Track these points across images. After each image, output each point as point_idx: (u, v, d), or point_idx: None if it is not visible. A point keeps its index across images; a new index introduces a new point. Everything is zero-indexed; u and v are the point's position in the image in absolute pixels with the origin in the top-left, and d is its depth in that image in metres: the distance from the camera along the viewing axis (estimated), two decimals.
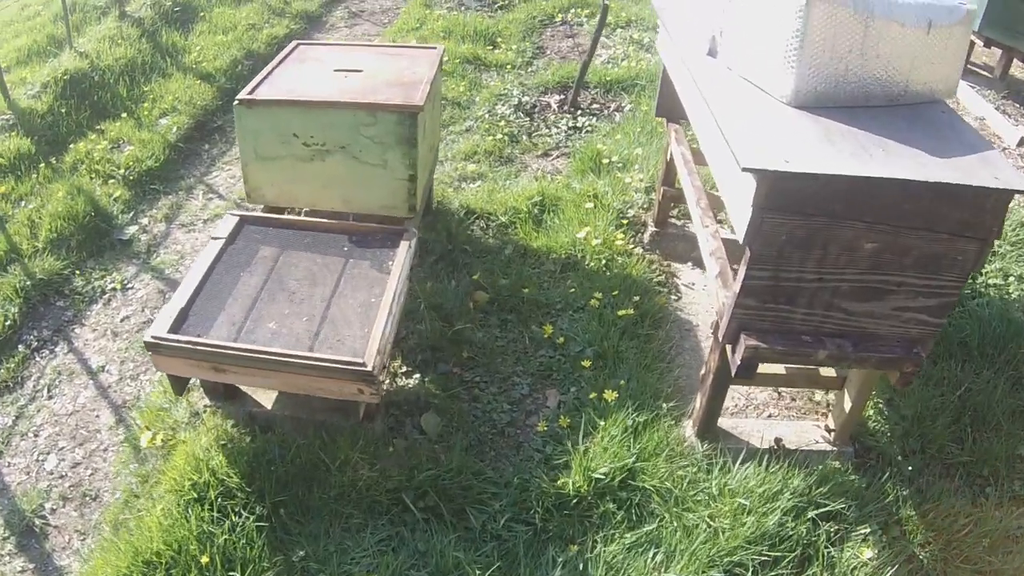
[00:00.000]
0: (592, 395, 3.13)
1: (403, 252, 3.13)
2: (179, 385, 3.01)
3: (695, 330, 3.67)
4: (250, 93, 3.34)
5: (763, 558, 2.61)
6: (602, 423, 2.99)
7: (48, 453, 3.33)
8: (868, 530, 2.77)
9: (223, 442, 2.95)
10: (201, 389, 3.19)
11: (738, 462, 2.87)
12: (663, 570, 2.59)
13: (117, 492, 3.11)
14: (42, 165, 4.96)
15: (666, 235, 4.14)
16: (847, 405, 2.98)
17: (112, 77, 5.83)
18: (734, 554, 2.60)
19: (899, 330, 2.51)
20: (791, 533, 2.68)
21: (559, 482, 2.79)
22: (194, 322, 2.87)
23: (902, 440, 3.15)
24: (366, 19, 7.32)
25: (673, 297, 3.85)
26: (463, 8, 7.05)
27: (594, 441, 2.94)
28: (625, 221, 4.18)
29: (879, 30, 2.42)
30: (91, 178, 4.93)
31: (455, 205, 4.41)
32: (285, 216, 3.47)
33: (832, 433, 3.09)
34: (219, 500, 2.74)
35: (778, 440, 3.04)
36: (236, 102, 3.32)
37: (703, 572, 2.56)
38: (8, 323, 3.91)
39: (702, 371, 3.02)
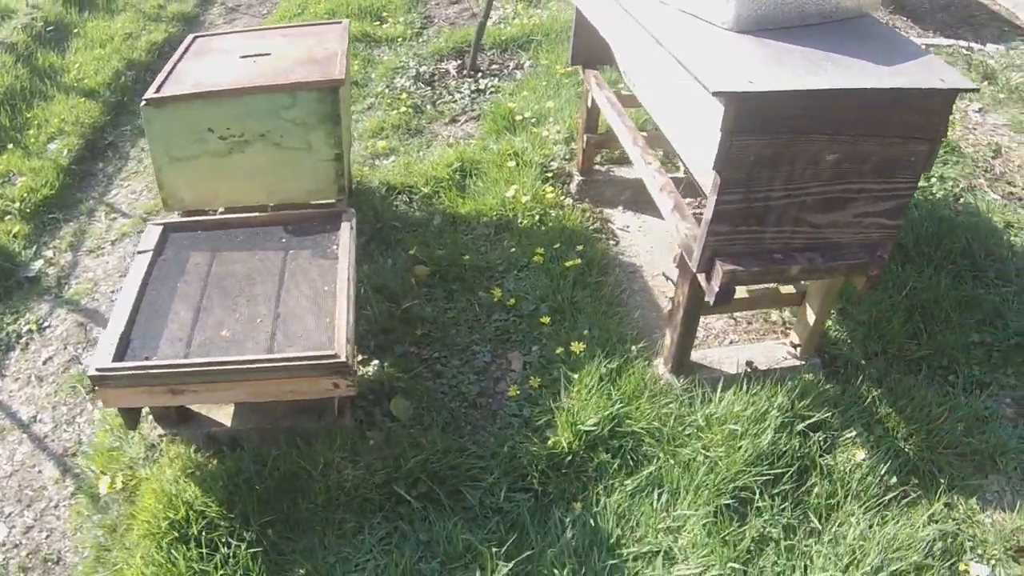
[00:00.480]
0: (558, 350, 2.96)
1: (346, 234, 2.87)
2: (132, 418, 2.67)
3: (640, 271, 3.51)
4: (156, 92, 3.01)
5: (765, 477, 2.51)
6: (576, 376, 2.82)
7: None
8: (854, 433, 2.72)
9: (190, 471, 2.67)
10: (151, 418, 2.87)
11: (718, 390, 2.73)
12: (671, 509, 2.43)
13: (84, 550, 2.77)
14: None
15: (592, 182, 3.95)
16: (810, 318, 2.88)
17: None
18: (737, 479, 2.50)
19: (861, 236, 2.45)
20: (785, 449, 2.60)
21: (550, 442, 2.60)
22: (138, 346, 2.56)
23: (863, 344, 3.09)
24: (243, 13, 6.81)
25: (612, 242, 3.69)
26: None
27: (571, 395, 2.76)
28: (550, 174, 3.98)
29: None
30: None
31: (375, 183, 4.12)
32: (211, 217, 3.16)
33: (798, 348, 2.99)
34: (203, 534, 2.46)
35: (749, 363, 2.93)
36: (143, 103, 3.00)
37: (712, 502, 2.43)
38: None
39: (668, 307, 2.84)
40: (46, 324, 3.75)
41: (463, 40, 5.50)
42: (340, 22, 3.59)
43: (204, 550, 2.40)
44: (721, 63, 2.18)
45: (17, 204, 4.45)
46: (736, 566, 2.31)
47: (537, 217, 3.66)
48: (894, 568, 2.30)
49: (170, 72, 3.17)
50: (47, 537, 2.89)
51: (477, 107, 4.84)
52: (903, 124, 2.22)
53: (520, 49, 5.43)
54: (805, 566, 2.34)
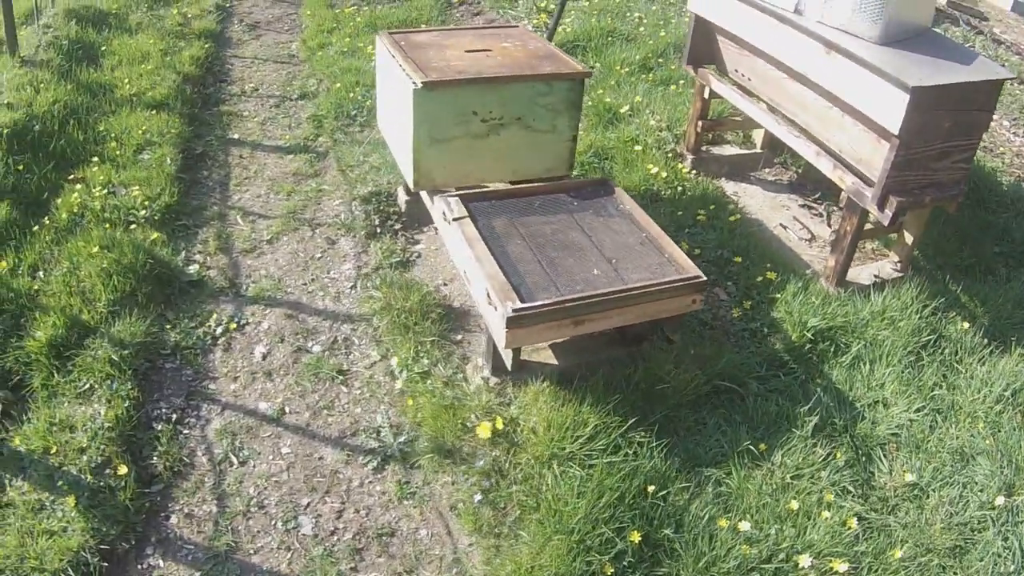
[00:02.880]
0: (759, 279, 4.42)
1: (626, 196, 3.96)
2: (517, 360, 3.40)
3: (762, 224, 5.06)
4: (426, 77, 3.66)
5: (921, 342, 4.09)
6: (778, 296, 4.31)
7: (294, 517, 3.20)
8: (955, 313, 4.32)
9: (559, 399, 3.38)
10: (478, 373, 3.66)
11: (870, 295, 4.33)
12: (874, 373, 3.98)
13: (425, 518, 3.13)
14: (35, 227, 4.65)
15: (700, 160, 5.46)
16: (908, 240, 4.54)
17: (55, 123, 5.64)
18: (906, 347, 4.03)
19: (952, 176, 4.10)
20: (925, 325, 4.18)
21: (793, 336, 4.05)
22: (523, 292, 3.20)
23: (932, 259, 4.79)
24: (264, 29, 7.72)
25: (732, 205, 5.21)
26: (368, 2, 7.70)
27: (778, 308, 4.26)
28: (669, 155, 5.46)
29: None
30: (106, 228, 4.64)
31: None
32: (494, 189, 4.01)
33: (899, 264, 4.65)
34: (619, 440, 3.24)
35: (876, 275, 4.57)
36: (418, 86, 3.63)
37: (899, 363, 3.96)
38: (128, 404, 3.56)
39: (831, 238, 4.46)
40: (244, 322, 4.19)
41: None
42: (517, 25, 4.53)
43: (630, 452, 3.18)
44: (898, 67, 3.76)
45: (142, 213, 4.84)
46: (929, 397, 3.86)
47: (678, 188, 5.12)
48: (1014, 387, 3.94)
49: (413, 62, 3.78)
50: (367, 515, 3.10)
51: None
52: (978, 101, 3.87)
53: (570, 54, 6.79)
54: (964, 389, 3.92)
